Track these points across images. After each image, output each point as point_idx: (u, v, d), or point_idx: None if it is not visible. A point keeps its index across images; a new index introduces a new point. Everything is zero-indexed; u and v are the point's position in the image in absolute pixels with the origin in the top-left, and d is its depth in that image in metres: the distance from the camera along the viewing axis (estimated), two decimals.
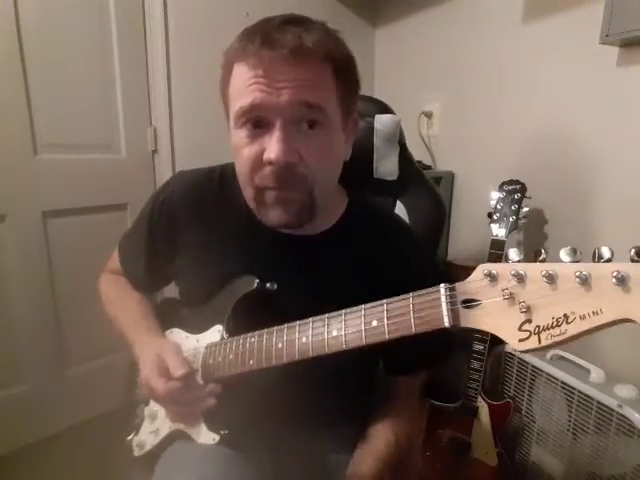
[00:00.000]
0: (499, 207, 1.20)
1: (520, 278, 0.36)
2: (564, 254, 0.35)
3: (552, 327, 0.34)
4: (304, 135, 0.57)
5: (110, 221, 1.61)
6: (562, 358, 1.26)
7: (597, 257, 0.34)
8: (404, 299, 0.45)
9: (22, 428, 1.49)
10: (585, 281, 0.33)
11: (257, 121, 0.57)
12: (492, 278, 0.38)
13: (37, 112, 1.40)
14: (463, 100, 1.71)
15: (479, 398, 1.19)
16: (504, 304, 0.37)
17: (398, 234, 0.72)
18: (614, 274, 0.31)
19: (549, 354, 1.27)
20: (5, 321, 1.44)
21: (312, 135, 0.57)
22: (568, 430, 1.18)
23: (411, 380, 0.74)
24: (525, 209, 1.17)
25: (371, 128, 0.91)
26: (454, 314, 0.40)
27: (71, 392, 1.59)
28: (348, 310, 0.50)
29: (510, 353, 1.34)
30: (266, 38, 0.54)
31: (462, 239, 1.77)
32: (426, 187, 0.97)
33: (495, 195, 1.21)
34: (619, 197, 1.24)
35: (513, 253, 0.39)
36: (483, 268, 0.39)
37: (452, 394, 1.22)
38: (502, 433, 1.19)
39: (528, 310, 0.36)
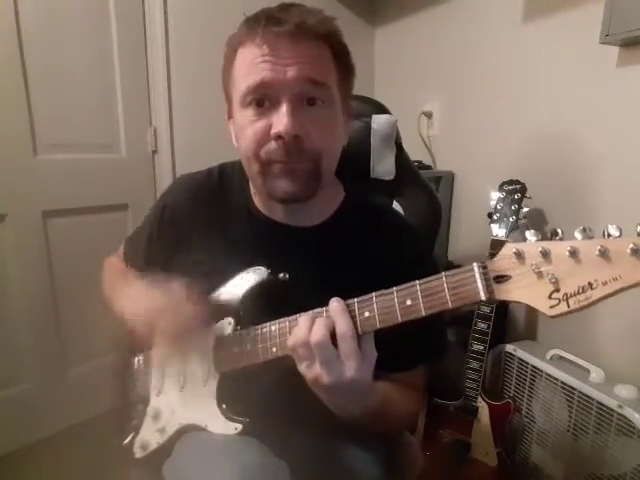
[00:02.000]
0: (499, 207, 1.19)
1: (546, 255, 0.41)
2: (577, 233, 0.41)
3: (579, 293, 0.40)
4: (309, 111, 0.59)
5: (110, 221, 1.61)
6: (562, 358, 1.26)
7: (607, 235, 0.39)
8: (437, 279, 0.47)
9: (22, 428, 1.49)
10: (604, 254, 0.38)
11: (262, 99, 0.59)
12: (519, 256, 0.43)
13: (37, 112, 1.40)
14: (463, 100, 1.71)
15: (479, 398, 1.19)
16: (534, 277, 0.42)
17: (395, 223, 0.75)
18: (630, 246, 0.37)
19: (549, 354, 1.27)
20: (5, 321, 1.44)
21: (316, 111, 0.59)
22: (568, 430, 1.18)
23: (411, 376, 0.72)
24: (525, 209, 1.17)
25: (368, 128, 0.91)
26: (489, 288, 0.44)
27: (71, 392, 1.59)
28: (378, 293, 0.51)
29: (510, 353, 1.34)
30: (271, 17, 0.57)
31: (462, 239, 1.76)
32: (422, 187, 0.97)
33: (495, 195, 1.21)
34: (619, 197, 1.24)
35: (530, 234, 0.43)
36: (511, 247, 0.43)
37: (453, 392, 1.22)
38: (502, 433, 1.18)
39: (556, 281, 0.41)
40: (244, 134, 0.61)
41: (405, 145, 0.98)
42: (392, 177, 0.93)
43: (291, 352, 0.54)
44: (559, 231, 0.42)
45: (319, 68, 0.58)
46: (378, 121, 0.92)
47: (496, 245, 1.17)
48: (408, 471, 0.79)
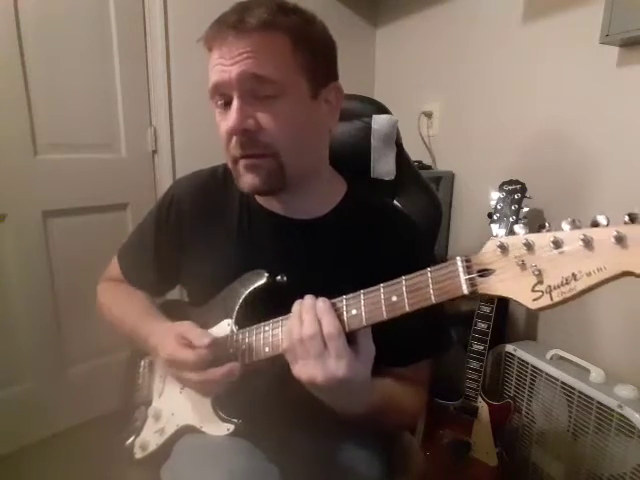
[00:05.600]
0: (499, 207, 1.19)
1: (529, 247, 0.40)
2: (565, 224, 0.39)
3: (562, 285, 0.38)
4: (263, 104, 0.60)
5: (110, 221, 1.61)
6: (562, 358, 1.26)
7: (594, 224, 0.38)
8: (422, 274, 0.47)
9: (22, 428, 1.49)
10: (588, 243, 0.37)
11: (223, 99, 0.61)
12: (503, 249, 0.42)
13: (37, 112, 1.40)
14: (463, 100, 1.71)
15: (479, 398, 1.19)
16: (517, 270, 0.41)
17: (396, 219, 0.75)
18: (614, 234, 0.35)
19: (549, 354, 1.27)
20: (5, 321, 1.44)
21: (270, 104, 0.60)
22: (568, 430, 1.18)
23: (415, 371, 0.72)
24: (525, 209, 1.17)
25: (368, 128, 0.91)
26: (471, 282, 0.43)
27: (71, 392, 1.59)
28: (365, 290, 0.51)
29: (510, 353, 1.34)
30: (219, 20, 0.61)
31: (462, 239, 1.76)
32: (422, 187, 0.97)
33: (495, 195, 1.21)
34: (619, 197, 1.24)
35: (519, 228, 0.42)
36: (495, 241, 0.42)
37: (453, 392, 1.22)
38: (502, 433, 1.18)
39: (539, 273, 0.39)
40: (219, 131, 0.64)
41: (405, 145, 0.98)
42: (392, 177, 0.93)
43: (286, 353, 0.54)
44: (547, 224, 0.41)
45: (262, 62, 0.57)
46: (378, 121, 0.92)
47: None
48: (408, 471, 0.80)
